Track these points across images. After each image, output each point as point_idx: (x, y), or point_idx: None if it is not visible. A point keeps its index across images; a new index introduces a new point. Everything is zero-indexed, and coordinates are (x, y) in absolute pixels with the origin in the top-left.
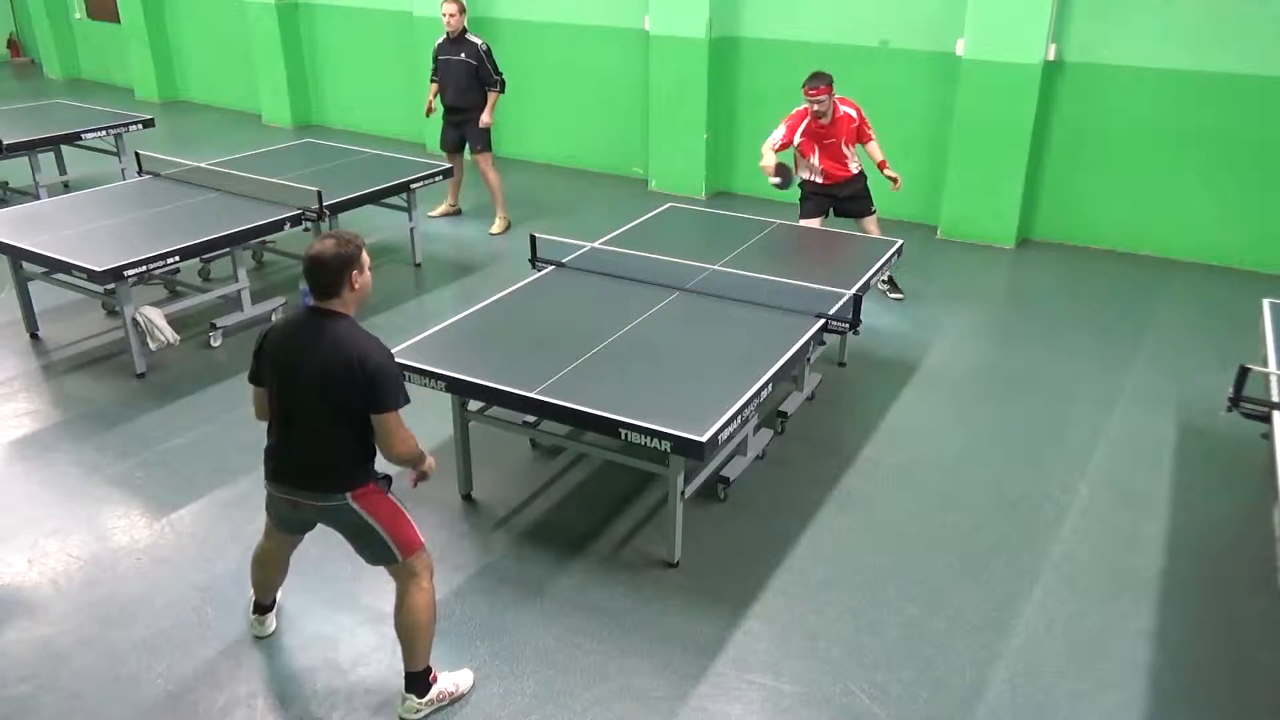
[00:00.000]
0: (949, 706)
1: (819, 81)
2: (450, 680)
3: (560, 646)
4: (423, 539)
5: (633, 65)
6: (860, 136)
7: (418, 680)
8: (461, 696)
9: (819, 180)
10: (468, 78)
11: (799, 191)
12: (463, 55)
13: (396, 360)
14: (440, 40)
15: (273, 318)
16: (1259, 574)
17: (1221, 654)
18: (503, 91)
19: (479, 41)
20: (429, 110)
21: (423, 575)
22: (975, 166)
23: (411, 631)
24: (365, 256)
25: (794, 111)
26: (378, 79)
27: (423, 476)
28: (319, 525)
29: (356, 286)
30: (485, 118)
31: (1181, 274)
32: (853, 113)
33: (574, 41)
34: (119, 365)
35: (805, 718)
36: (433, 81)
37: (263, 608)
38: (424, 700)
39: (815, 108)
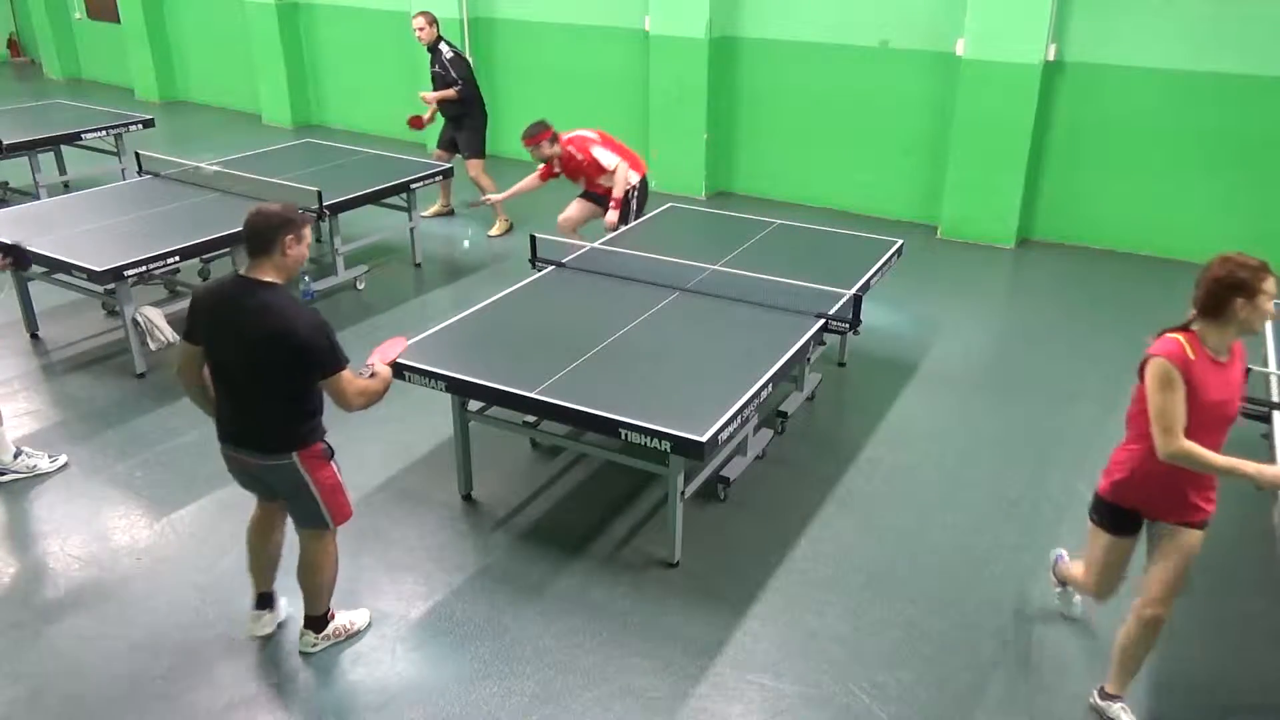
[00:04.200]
0: (949, 706)
1: (529, 134)
2: (346, 618)
3: (560, 646)
4: (351, 509)
5: (633, 65)
6: (596, 169)
7: (317, 620)
8: (357, 633)
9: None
10: (442, 86)
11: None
12: (436, 67)
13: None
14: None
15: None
16: (1259, 574)
17: (1221, 654)
18: (460, 95)
19: (446, 50)
20: (426, 121)
21: (332, 541)
22: (975, 166)
23: (315, 587)
24: (307, 231)
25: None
26: (378, 79)
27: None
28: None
29: (289, 253)
30: (429, 95)
31: (1181, 274)
32: (577, 152)
33: (574, 41)
34: (119, 365)
35: (805, 718)
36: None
37: (262, 600)
38: (320, 635)
39: (533, 155)
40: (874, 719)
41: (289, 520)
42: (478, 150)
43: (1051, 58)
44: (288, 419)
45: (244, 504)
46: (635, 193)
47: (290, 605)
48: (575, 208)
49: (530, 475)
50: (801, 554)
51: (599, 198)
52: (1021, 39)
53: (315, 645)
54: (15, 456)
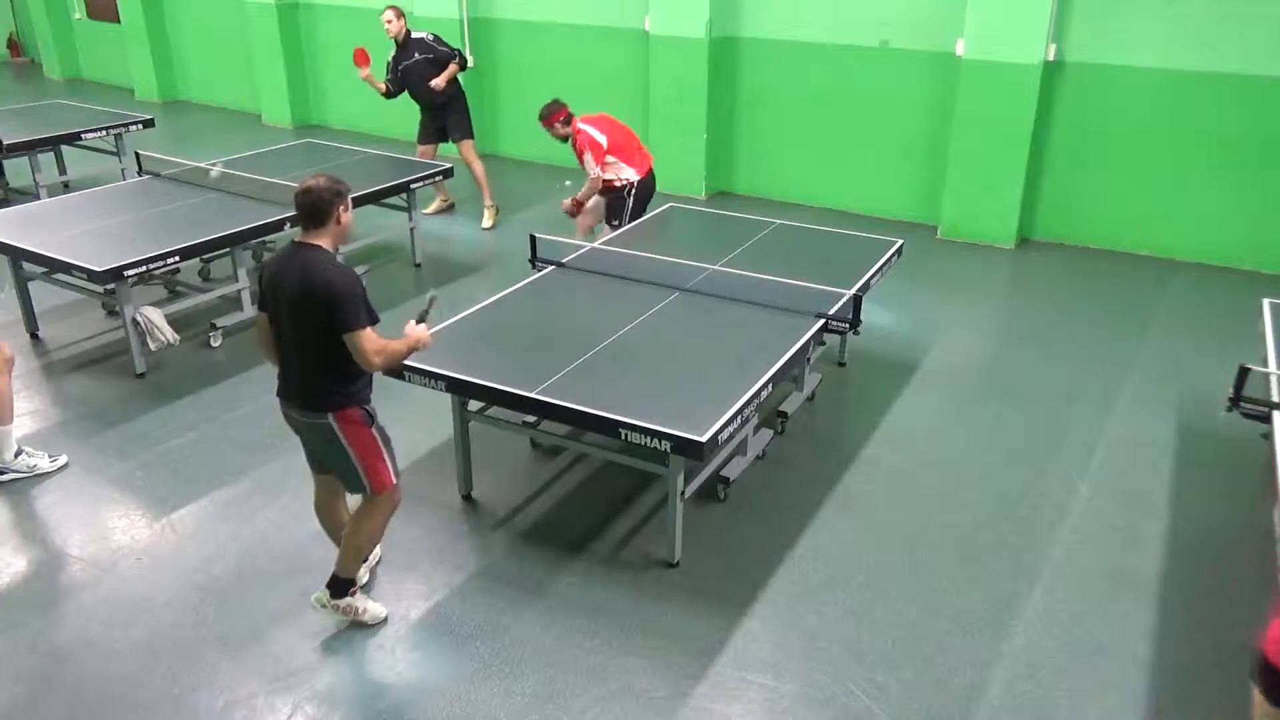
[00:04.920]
0: (949, 706)
1: (545, 114)
2: (364, 602)
3: (560, 646)
4: (394, 480)
5: (633, 65)
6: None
7: (340, 584)
8: (364, 624)
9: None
10: (432, 72)
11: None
12: (416, 56)
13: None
14: (394, 52)
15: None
16: (1259, 574)
17: (1221, 654)
18: (463, 66)
19: (424, 35)
20: (367, 75)
21: (382, 509)
22: (975, 166)
23: (353, 545)
24: (349, 200)
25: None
26: (377, 79)
27: (418, 346)
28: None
29: (342, 221)
30: (439, 80)
31: (1181, 274)
32: (576, 142)
33: (574, 41)
34: (119, 365)
35: (805, 718)
36: (386, 84)
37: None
38: (335, 601)
39: (552, 135)
40: (874, 719)
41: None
42: (469, 131)
43: (1051, 58)
44: (327, 379)
45: (244, 504)
46: (632, 190)
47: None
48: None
49: (530, 475)
50: (801, 554)
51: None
52: (1021, 39)
53: (324, 605)
54: (16, 455)
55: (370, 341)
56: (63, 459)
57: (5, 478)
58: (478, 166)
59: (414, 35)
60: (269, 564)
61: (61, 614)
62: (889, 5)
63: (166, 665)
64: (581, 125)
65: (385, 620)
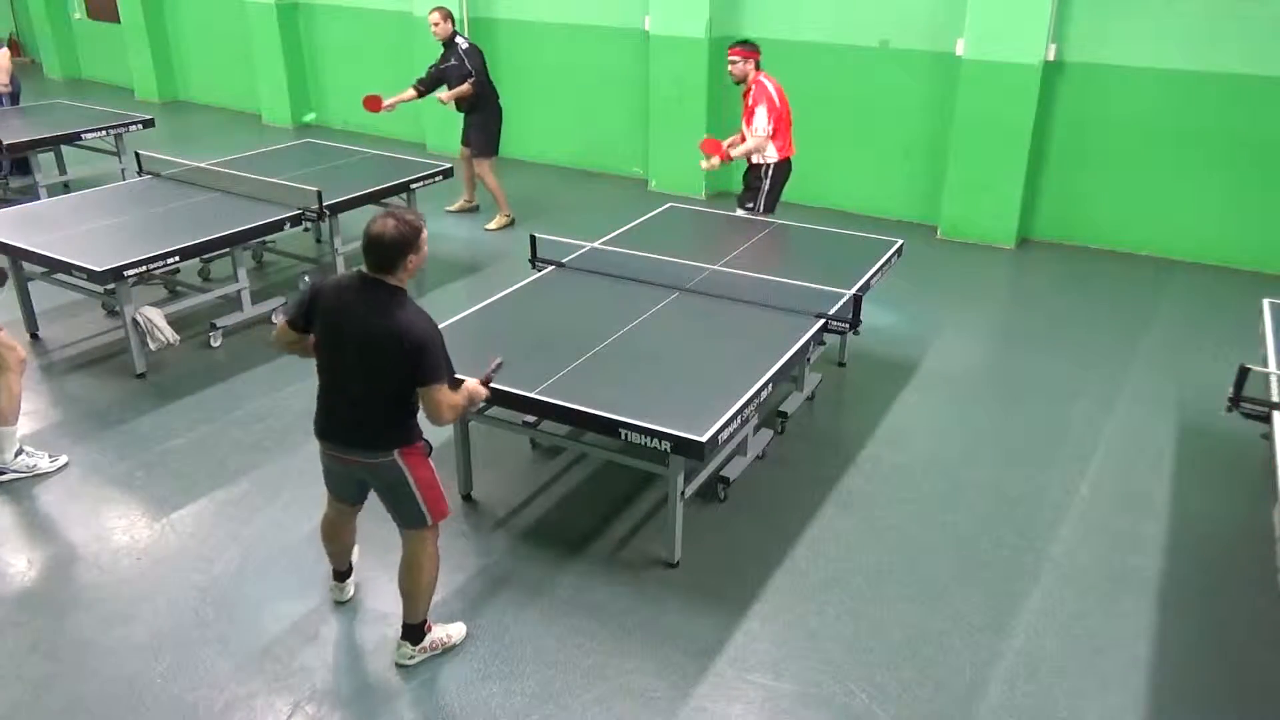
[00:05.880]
0: (949, 706)
1: (735, 45)
2: (443, 631)
3: (560, 646)
4: (449, 508)
5: (633, 65)
6: (748, 120)
7: (414, 630)
8: (454, 646)
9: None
10: (460, 81)
11: None
12: (452, 60)
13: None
14: (442, 53)
15: (273, 318)
16: (1259, 574)
17: (1221, 654)
18: (474, 88)
19: (463, 43)
20: (390, 104)
21: (433, 541)
22: (975, 166)
23: (415, 589)
24: (424, 236)
25: None
26: (378, 79)
27: (474, 402)
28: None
29: (410, 267)
30: (442, 94)
31: (1181, 274)
32: (752, 96)
33: (574, 41)
34: (119, 365)
35: (805, 718)
36: (414, 87)
37: (340, 574)
38: (418, 648)
39: (729, 69)
40: (874, 719)
41: (357, 518)
42: (487, 149)
43: (1051, 58)
44: (394, 417)
45: (243, 504)
46: (769, 172)
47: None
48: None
49: (530, 475)
50: (801, 554)
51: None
52: (1021, 39)
53: (412, 658)
54: (16, 455)
55: (448, 397)
56: (63, 459)
57: (5, 478)
58: (490, 182)
59: (457, 39)
60: (269, 564)
61: (61, 614)
62: (889, 5)
63: (166, 665)
64: (764, 78)
65: (466, 635)
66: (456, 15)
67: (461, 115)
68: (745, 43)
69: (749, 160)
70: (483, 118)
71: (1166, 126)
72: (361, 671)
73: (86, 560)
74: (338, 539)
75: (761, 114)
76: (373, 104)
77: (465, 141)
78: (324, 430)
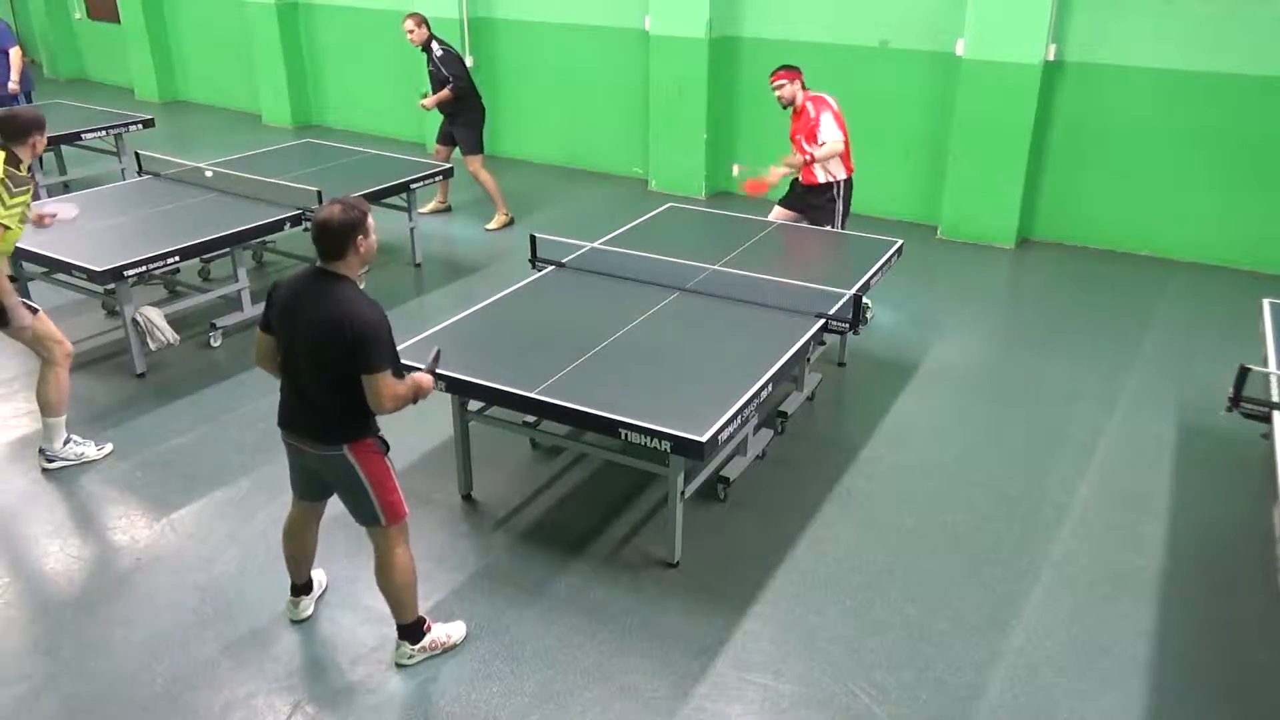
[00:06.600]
0: (949, 706)
1: (779, 69)
2: (443, 630)
3: (560, 646)
4: (407, 510)
5: (633, 65)
6: (811, 136)
7: (410, 630)
8: (454, 646)
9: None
10: (439, 85)
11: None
12: (430, 67)
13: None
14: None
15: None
16: (1259, 574)
17: (1221, 654)
18: (456, 92)
19: (438, 50)
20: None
21: (398, 541)
22: (975, 166)
23: (395, 591)
24: (370, 221)
25: None
26: (378, 79)
27: (420, 393)
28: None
29: (361, 250)
30: (428, 101)
31: (1181, 274)
32: (811, 111)
33: (574, 41)
34: (119, 365)
35: (805, 718)
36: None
37: (298, 589)
38: (416, 647)
39: (775, 94)
40: (874, 719)
41: (321, 521)
42: (474, 147)
43: (1051, 58)
44: (343, 410)
45: (244, 504)
46: (840, 190)
47: (325, 575)
48: (776, 215)
49: (530, 475)
50: (801, 554)
51: (798, 203)
52: (1021, 39)
53: (411, 658)
54: (65, 444)
55: (390, 386)
56: (108, 446)
57: (55, 465)
58: (484, 178)
59: (434, 44)
60: (269, 564)
61: (62, 614)
62: (889, 5)
63: (166, 665)
64: (815, 94)
65: (466, 635)
66: (456, 15)
67: (444, 116)
68: (786, 66)
69: (812, 180)
70: (467, 118)
71: (1166, 126)
72: (361, 672)
73: (86, 560)
74: (296, 538)
75: (829, 122)
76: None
77: (444, 141)
78: (281, 418)
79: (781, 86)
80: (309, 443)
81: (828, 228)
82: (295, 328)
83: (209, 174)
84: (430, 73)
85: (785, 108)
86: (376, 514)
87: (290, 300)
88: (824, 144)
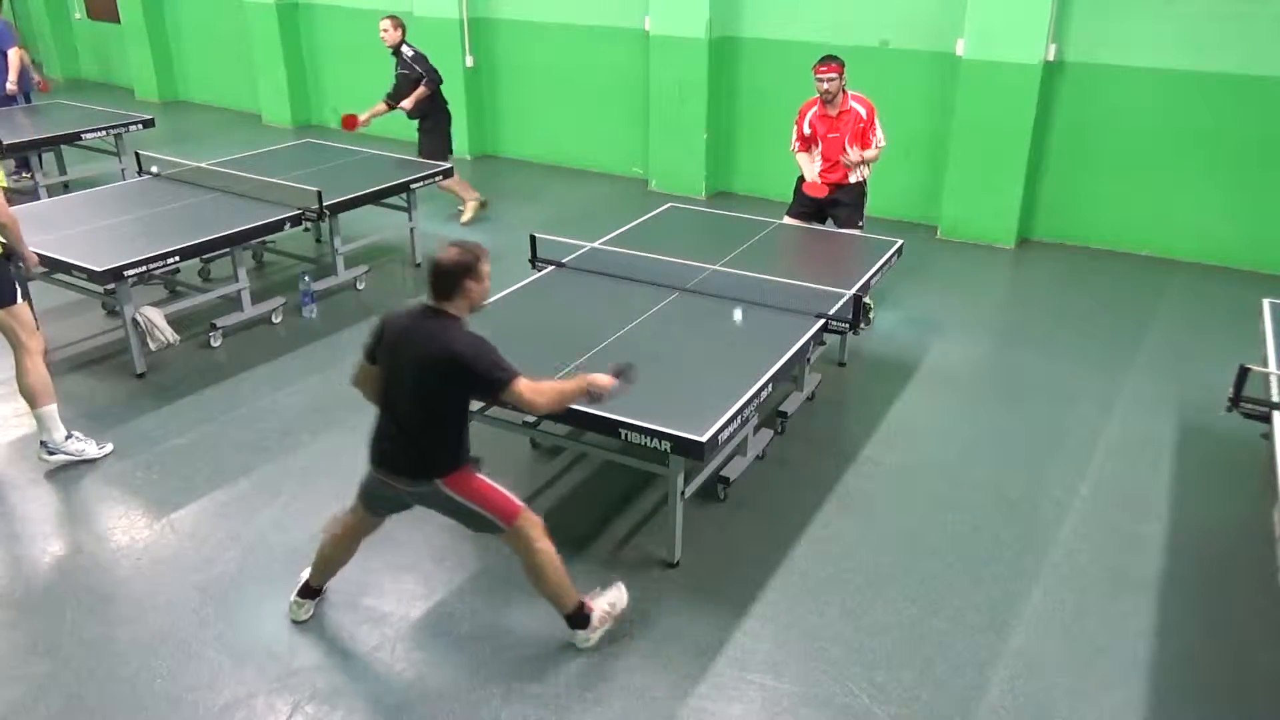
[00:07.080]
0: (949, 706)
1: (831, 60)
2: (605, 602)
3: (560, 646)
4: (520, 502)
5: (633, 65)
6: (863, 140)
7: (576, 619)
8: (621, 612)
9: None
10: (409, 88)
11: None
12: (400, 69)
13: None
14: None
15: (273, 318)
16: (1259, 574)
17: (1221, 654)
18: (431, 89)
19: (408, 51)
20: (365, 119)
21: (533, 536)
22: (975, 166)
23: (550, 589)
24: (485, 266)
25: (803, 103)
26: (378, 79)
27: (597, 397)
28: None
29: (472, 293)
30: (406, 103)
31: (1181, 274)
32: (862, 111)
33: (574, 41)
34: (119, 365)
35: (805, 718)
36: (384, 101)
37: (311, 591)
38: (589, 630)
39: (824, 86)
40: (874, 719)
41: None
42: (441, 154)
43: (1051, 58)
44: (439, 443)
45: (244, 504)
46: (865, 187)
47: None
48: (797, 208)
49: (530, 475)
50: (801, 554)
51: (812, 212)
52: (1021, 39)
53: (588, 640)
54: (66, 438)
55: (527, 388)
56: (109, 446)
57: (56, 459)
58: (446, 185)
59: (403, 48)
60: (269, 564)
61: (61, 614)
62: (889, 5)
63: (166, 665)
64: (858, 94)
65: (625, 595)
66: (456, 15)
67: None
68: (835, 58)
69: (844, 179)
70: (432, 122)
71: (1166, 126)
72: (361, 672)
73: (86, 560)
74: (342, 544)
75: (879, 124)
76: (349, 122)
77: (421, 152)
78: (375, 456)
79: (833, 80)
80: (404, 481)
81: (859, 226)
82: (400, 363)
83: (205, 166)
84: (400, 75)
85: (828, 101)
86: (493, 523)
87: (398, 336)
88: (881, 146)
